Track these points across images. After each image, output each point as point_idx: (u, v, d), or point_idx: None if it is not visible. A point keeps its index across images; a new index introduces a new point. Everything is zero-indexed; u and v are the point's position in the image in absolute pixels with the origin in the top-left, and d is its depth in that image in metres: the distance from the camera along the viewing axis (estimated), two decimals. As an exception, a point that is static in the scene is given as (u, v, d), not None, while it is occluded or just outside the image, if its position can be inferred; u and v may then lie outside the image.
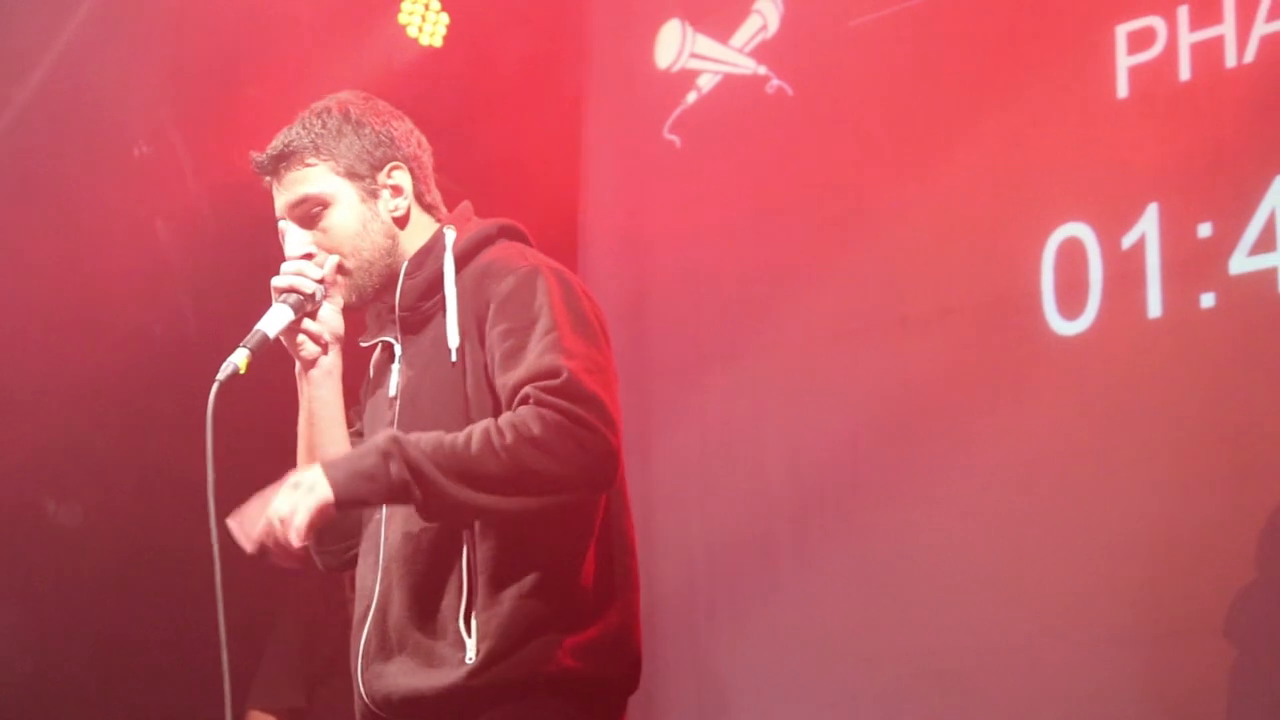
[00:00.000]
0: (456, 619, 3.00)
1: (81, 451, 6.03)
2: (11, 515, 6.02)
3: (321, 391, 3.22)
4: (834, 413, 5.50)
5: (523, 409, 2.91)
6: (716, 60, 6.07)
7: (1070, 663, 4.88)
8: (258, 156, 3.22)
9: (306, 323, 3.16)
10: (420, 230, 3.25)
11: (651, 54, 6.25)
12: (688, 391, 5.82)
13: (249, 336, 3.11)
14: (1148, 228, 4.89)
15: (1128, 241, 4.93)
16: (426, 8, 6.23)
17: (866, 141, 5.57)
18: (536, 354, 2.96)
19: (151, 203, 6.16)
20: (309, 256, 3.17)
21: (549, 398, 2.89)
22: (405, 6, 6.23)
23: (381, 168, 3.21)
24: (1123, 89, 5.03)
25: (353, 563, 3.29)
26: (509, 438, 2.87)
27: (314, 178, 3.18)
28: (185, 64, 5.99)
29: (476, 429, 2.90)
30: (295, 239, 3.20)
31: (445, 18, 6.24)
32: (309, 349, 3.19)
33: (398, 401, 3.18)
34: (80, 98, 5.89)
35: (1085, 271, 4.99)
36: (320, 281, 3.15)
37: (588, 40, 6.49)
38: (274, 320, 3.13)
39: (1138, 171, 4.97)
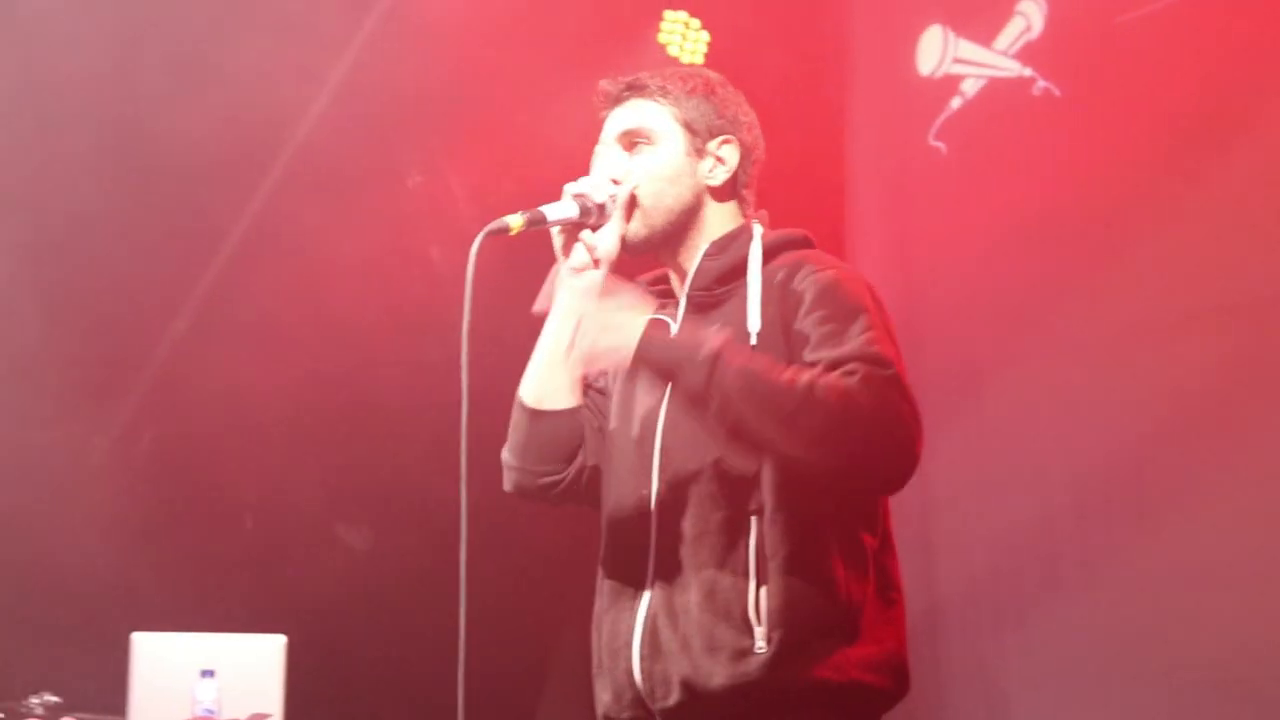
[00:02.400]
0: (744, 603, 2.96)
1: (367, 476, 6.18)
2: (304, 537, 6.19)
3: (575, 305, 3.17)
4: (1115, 415, 5.40)
5: (851, 380, 2.87)
6: (980, 64, 6.01)
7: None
8: (609, 85, 3.28)
9: (585, 233, 3.14)
10: (726, 214, 3.25)
11: (913, 61, 6.21)
12: (961, 399, 5.77)
13: (531, 211, 3.12)
14: None
15: None
16: (686, 26, 6.28)
17: (1138, 140, 5.46)
18: (862, 341, 2.95)
19: (426, 231, 6.29)
20: (616, 181, 3.19)
21: (875, 384, 2.88)
22: (665, 26, 6.28)
23: (716, 136, 3.24)
24: (1407, 74, 4.86)
25: (543, 492, 3.29)
26: (831, 396, 2.84)
27: (652, 112, 3.23)
28: (453, 92, 6.11)
29: (805, 375, 2.88)
30: (608, 159, 3.24)
31: (705, 35, 6.29)
32: (579, 257, 3.16)
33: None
34: (354, 132, 6.04)
35: (1373, 265, 4.84)
36: (612, 200, 3.15)
37: (849, 50, 6.48)
38: (557, 209, 3.13)
39: None
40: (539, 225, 3.12)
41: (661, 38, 6.29)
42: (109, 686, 4.57)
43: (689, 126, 3.23)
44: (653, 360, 2.96)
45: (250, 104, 5.67)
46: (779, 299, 3.08)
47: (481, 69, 6.08)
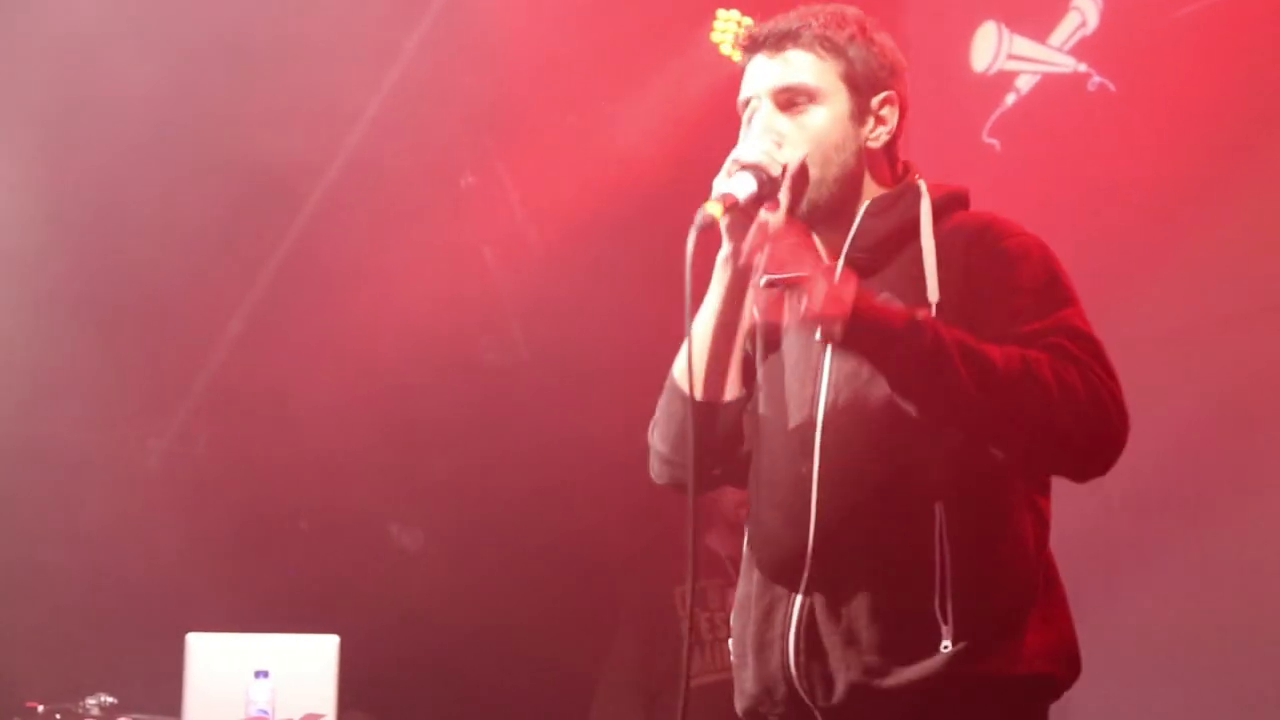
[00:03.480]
0: (929, 597, 2.74)
1: (422, 477, 6.19)
2: (358, 539, 6.21)
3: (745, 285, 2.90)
4: (1171, 412, 5.33)
5: (1058, 356, 2.69)
6: (1035, 60, 5.97)
7: None
8: (756, 28, 2.98)
9: (764, 213, 2.81)
10: (883, 175, 3.00)
11: (968, 57, 6.18)
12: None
13: (714, 196, 2.81)
14: None
15: None
16: (739, 25, 6.26)
17: (1195, 135, 5.40)
18: (1064, 316, 2.76)
19: (479, 231, 6.30)
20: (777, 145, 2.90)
21: (1082, 355, 2.70)
22: (718, 25, 6.27)
23: (878, 92, 2.98)
24: None
25: (701, 486, 2.93)
26: (1046, 373, 2.65)
27: (815, 68, 2.94)
28: (504, 94, 6.12)
29: (1014, 350, 2.68)
30: (769, 119, 2.94)
31: (758, 33, 6.26)
32: (753, 236, 2.82)
33: (830, 346, 2.86)
34: (407, 133, 6.06)
35: None
36: (784, 170, 2.85)
37: (903, 47, 6.42)
38: (740, 185, 2.81)
39: None
40: (734, 210, 2.80)
41: (714, 37, 6.26)
42: (164, 687, 4.59)
43: (852, 83, 2.94)
44: (869, 322, 2.67)
45: (304, 108, 5.69)
46: (961, 268, 2.85)
47: (534, 70, 6.08)
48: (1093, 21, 5.81)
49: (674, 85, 6.21)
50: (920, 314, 2.71)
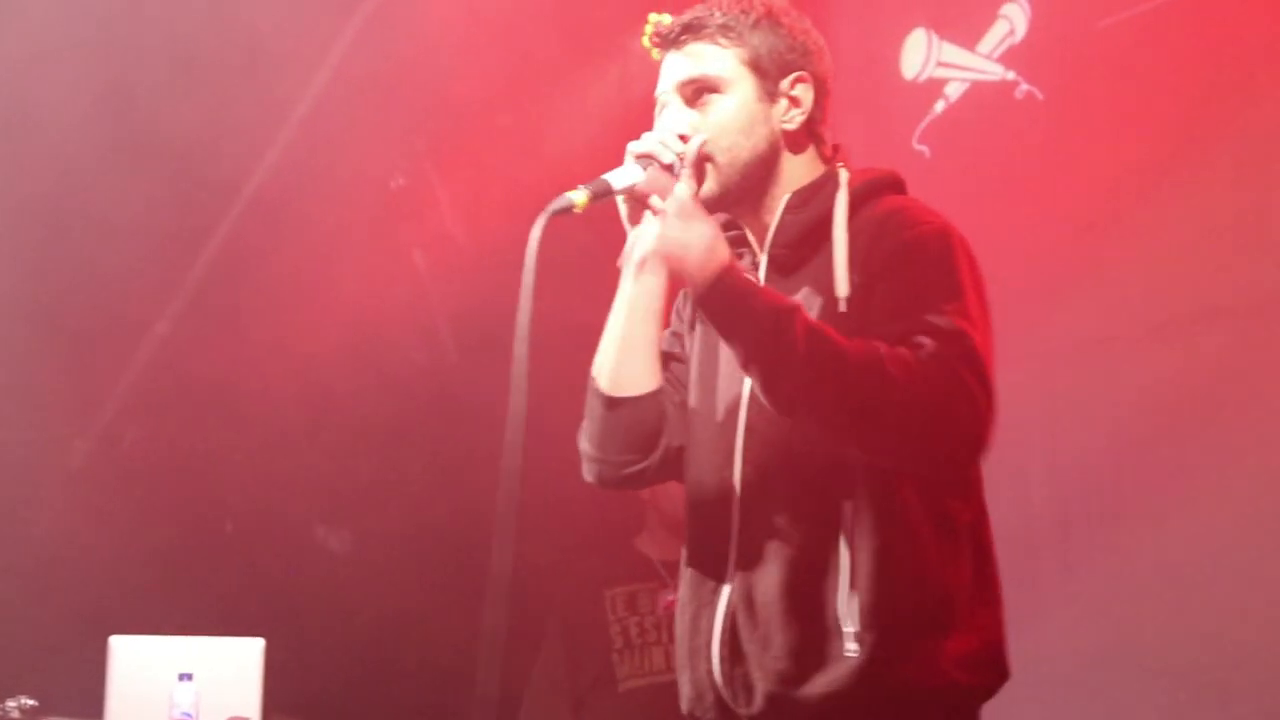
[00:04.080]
0: (835, 602, 2.74)
1: (349, 479, 6.16)
2: (284, 541, 6.17)
3: (649, 277, 2.98)
4: (1095, 421, 5.37)
5: (919, 353, 2.67)
6: (964, 68, 6.00)
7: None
8: (663, 25, 3.03)
9: (654, 198, 2.87)
10: (804, 160, 3.02)
11: (897, 65, 6.20)
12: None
13: (594, 181, 2.87)
14: None
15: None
16: (669, 29, 6.26)
17: (1120, 144, 5.44)
18: (940, 312, 2.74)
19: (409, 234, 6.28)
20: (683, 138, 2.93)
21: (944, 352, 2.67)
22: (648, 29, 6.26)
23: (787, 73, 2.99)
24: (1386, 77, 4.85)
25: (627, 481, 3.07)
26: (895, 370, 2.63)
27: (716, 57, 2.97)
28: (437, 96, 6.10)
29: (867, 344, 2.67)
30: (673, 114, 2.97)
31: (690, 39, 6.26)
32: (650, 224, 2.91)
33: None
34: (338, 134, 6.03)
35: (1361, 268, 4.81)
36: (680, 159, 2.89)
37: (833, 54, 6.45)
38: (622, 175, 2.88)
39: None
40: (605, 197, 2.88)
41: (646, 42, 6.25)
42: (86, 690, 4.54)
43: (757, 67, 2.97)
44: (722, 293, 2.72)
45: (233, 108, 5.67)
46: (869, 255, 2.84)
47: (466, 71, 6.07)
48: (1020, 30, 5.84)
49: (606, 88, 6.20)
50: (786, 302, 2.72)
